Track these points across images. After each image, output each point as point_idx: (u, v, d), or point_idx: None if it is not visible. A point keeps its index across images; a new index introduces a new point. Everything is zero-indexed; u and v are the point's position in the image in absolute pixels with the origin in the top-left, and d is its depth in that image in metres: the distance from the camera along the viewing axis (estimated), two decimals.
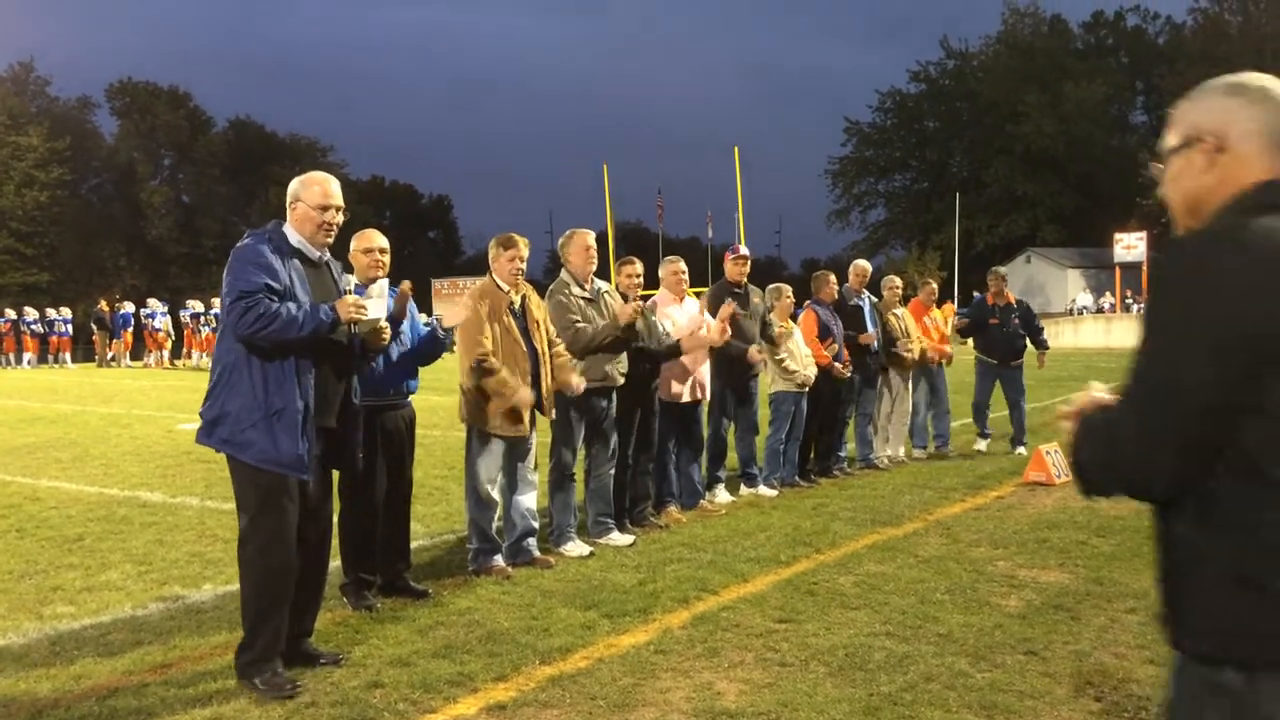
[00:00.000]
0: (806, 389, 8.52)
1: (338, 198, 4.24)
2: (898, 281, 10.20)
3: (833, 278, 9.22)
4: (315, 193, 4.19)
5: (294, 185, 4.26)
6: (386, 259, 5.30)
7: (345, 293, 4.19)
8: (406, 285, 4.96)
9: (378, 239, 5.33)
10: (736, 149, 22.07)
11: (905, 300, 10.52)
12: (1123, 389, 1.73)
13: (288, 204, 4.25)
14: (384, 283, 4.65)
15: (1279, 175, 1.73)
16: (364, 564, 5.22)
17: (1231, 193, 1.75)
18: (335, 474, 4.59)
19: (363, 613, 5.03)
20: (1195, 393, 1.61)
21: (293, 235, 4.21)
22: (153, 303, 31.70)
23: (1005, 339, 10.53)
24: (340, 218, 4.25)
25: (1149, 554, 6.19)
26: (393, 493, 5.35)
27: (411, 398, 5.50)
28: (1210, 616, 1.69)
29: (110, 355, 31.65)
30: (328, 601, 4.72)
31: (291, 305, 3.98)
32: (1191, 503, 1.74)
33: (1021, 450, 10.25)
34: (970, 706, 3.85)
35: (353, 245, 5.34)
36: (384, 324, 4.41)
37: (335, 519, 4.60)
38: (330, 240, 4.29)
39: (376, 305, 4.30)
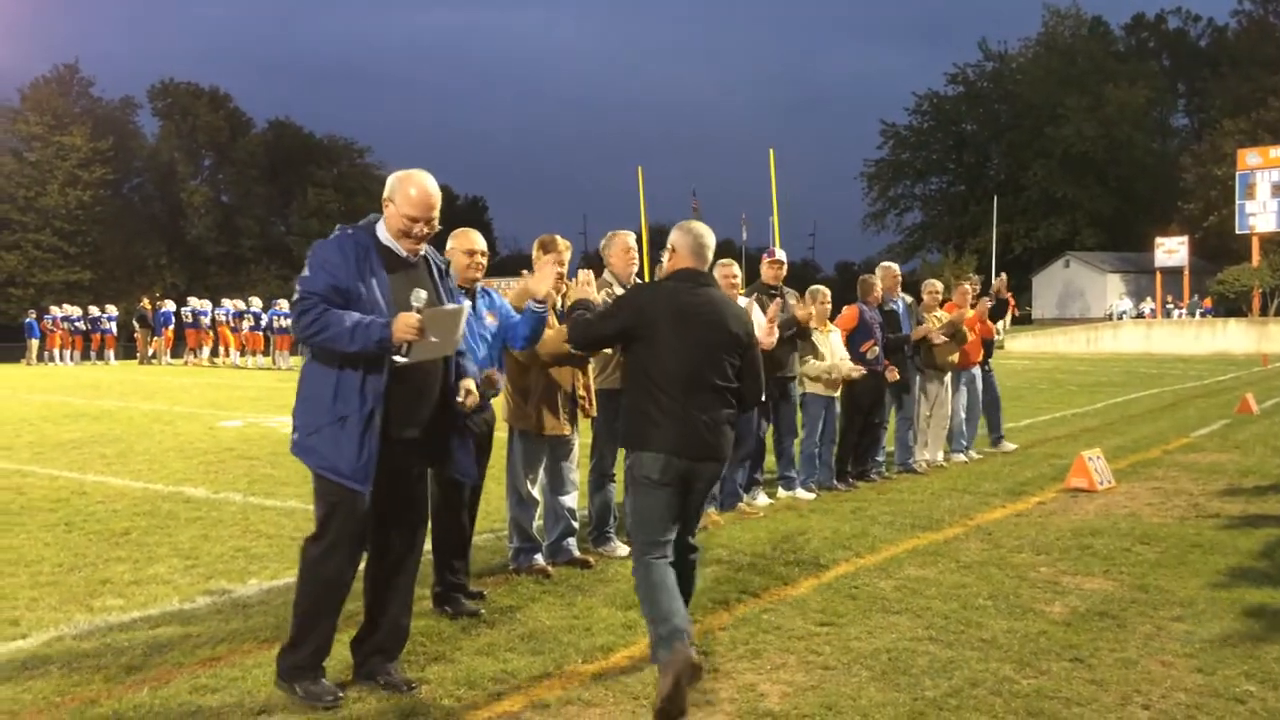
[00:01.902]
0: (837, 393, 8.51)
1: (435, 209, 3.93)
2: (938, 285, 10.16)
3: (878, 282, 9.21)
4: (411, 198, 3.88)
5: (392, 181, 3.95)
6: (485, 261, 5.18)
7: (414, 309, 3.81)
8: None
9: (479, 241, 5.19)
10: (772, 151, 22.01)
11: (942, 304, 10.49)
12: (601, 310, 4.46)
13: (383, 197, 3.96)
14: (464, 306, 4.10)
15: (693, 266, 4.33)
16: (456, 569, 5.17)
17: (674, 270, 4.36)
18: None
19: (464, 619, 4.95)
20: (608, 330, 4.32)
21: (383, 233, 3.96)
22: (202, 302, 32.14)
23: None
24: (434, 228, 3.96)
25: (1195, 561, 6.18)
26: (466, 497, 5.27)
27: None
28: (625, 431, 4.31)
29: (151, 353, 32.09)
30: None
31: (347, 316, 3.74)
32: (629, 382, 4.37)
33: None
34: (1016, 713, 3.83)
35: (451, 243, 5.18)
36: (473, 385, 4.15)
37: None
38: (419, 249, 4.01)
39: (444, 331, 3.89)
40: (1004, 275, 11.65)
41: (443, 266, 4.19)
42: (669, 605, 3.97)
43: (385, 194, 3.95)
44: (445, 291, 4.12)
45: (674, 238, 4.41)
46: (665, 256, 4.49)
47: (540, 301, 4.96)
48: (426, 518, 4.25)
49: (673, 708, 3.67)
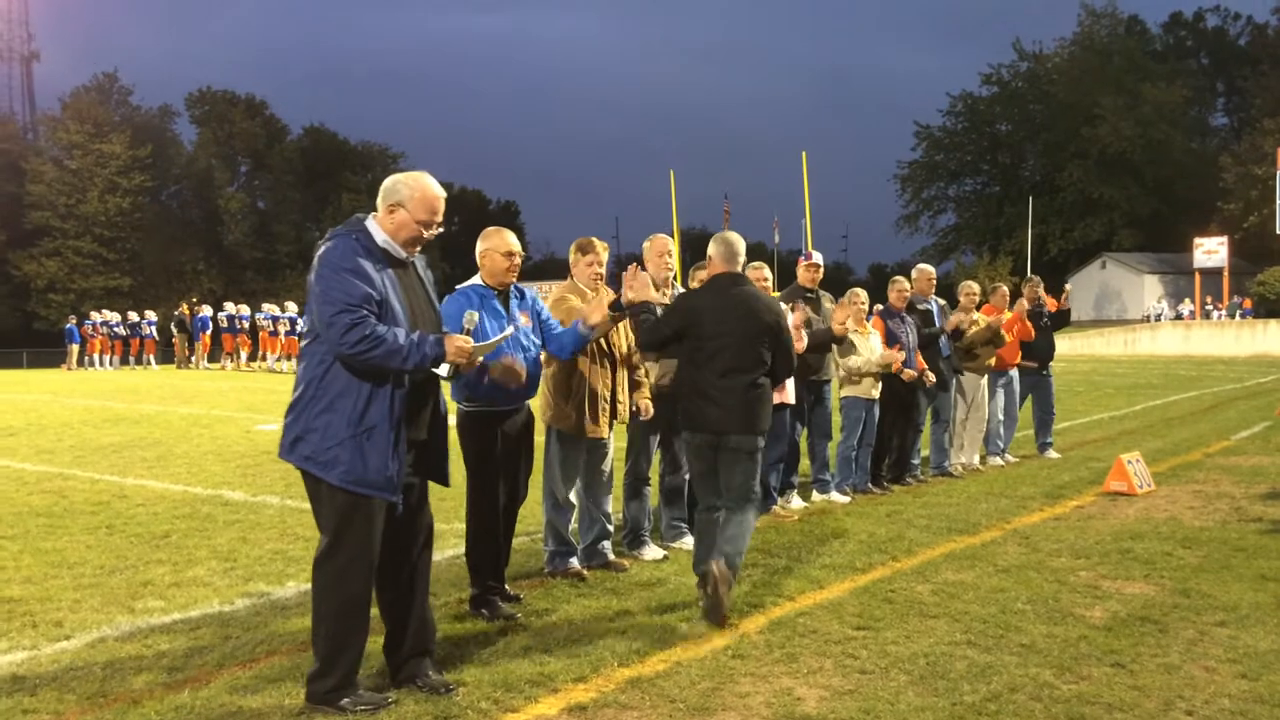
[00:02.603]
0: (877, 393, 8.46)
1: (442, 213, 3.97)
2: (974, 287, 10.06)
3: (905, 283, 9.15)
4: (423, 202, 3.88)
5: (399, 187, 3.91)
6: (520, 262, 5.15)
7: (464, 330, 4.00)
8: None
9: (514, 242, 5.16)
10: (804, 154, 21.84)
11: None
12: (659, 317, 5.29)
13: (384, 202, 3.90)
14: (508, 331, 4.64)
15: (726, 270, 5.27)
16: (492, 573, 5.16)
17: (712, 275, 5.32)
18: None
19: (501, 622, 4.95)
20: (667, 332, 5.24)
21: (378, 234, 3.88)
22: (239, 307, 32.47)
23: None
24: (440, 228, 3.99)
25: (1238, 566, 6.08)
26: (505, 500, 5.28)
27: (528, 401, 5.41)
28: (681, 413, 5.39)
29: (189, 357, 32.47)
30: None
31: (399, 332, 3.73)
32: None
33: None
34: (1056, 718, 3.79)
35: (485, 244, 5.12)
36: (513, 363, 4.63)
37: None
38: (418, 250, 4.04)
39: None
40: (1068, 286, 11.90)
41: (424, 265, 4.18)
42: (703, 545, 5.23)
43: (391, 199, 3.90)
44: (432, 290, 4.15)
45: (710, 249, 5.37)
46: (706, 264, 5.46)
47: (590, 328, 5.08)
48: (431, 517, 4.24)
49: (713, 610, 4.85)
